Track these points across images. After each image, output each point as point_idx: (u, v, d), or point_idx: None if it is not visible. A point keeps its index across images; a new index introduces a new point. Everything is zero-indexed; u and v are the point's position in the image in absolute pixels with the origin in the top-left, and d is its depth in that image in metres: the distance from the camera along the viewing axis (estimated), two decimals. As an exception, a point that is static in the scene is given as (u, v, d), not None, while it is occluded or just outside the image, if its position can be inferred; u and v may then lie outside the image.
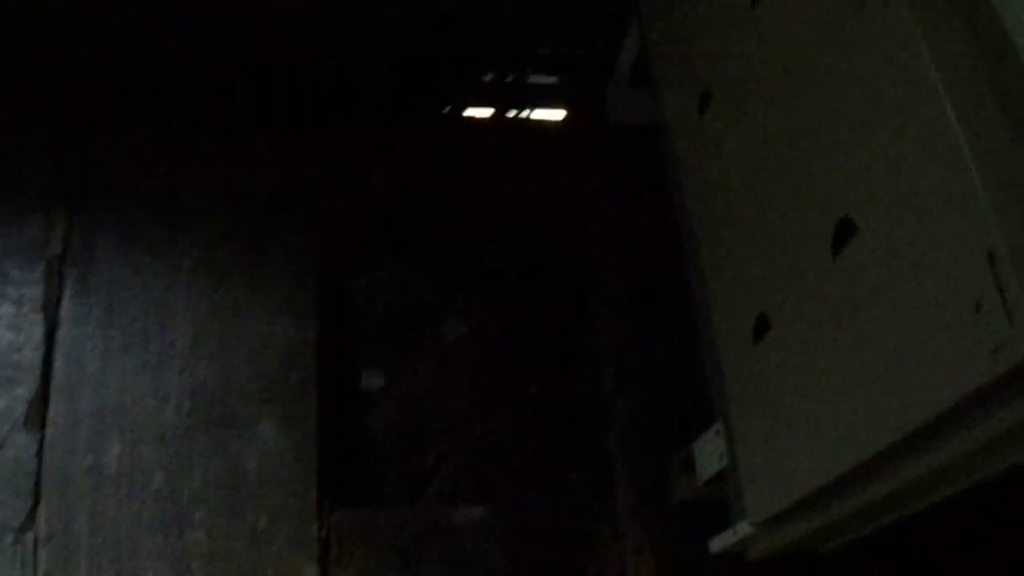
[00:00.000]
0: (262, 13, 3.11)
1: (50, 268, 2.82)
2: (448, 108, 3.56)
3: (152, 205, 2.95)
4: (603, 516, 2.69)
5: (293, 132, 3.15)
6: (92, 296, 2.78)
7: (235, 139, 3.09)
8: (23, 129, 3.02)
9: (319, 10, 3.19)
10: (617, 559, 2.62)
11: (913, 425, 1.51)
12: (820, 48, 1.79)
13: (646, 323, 2.91)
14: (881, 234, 1.59)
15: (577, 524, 2.67)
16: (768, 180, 2.06)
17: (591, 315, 2.95)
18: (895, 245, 1.54)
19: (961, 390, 1.36)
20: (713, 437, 2.48)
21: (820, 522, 1.99)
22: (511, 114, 3.62)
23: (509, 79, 3.67)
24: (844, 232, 1.71)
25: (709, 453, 2.51)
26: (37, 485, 2.51)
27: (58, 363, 2.70)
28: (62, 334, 2.74)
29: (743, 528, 2.26)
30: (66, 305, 2.78)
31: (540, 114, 3.63)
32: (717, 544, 2.42)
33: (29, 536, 2.45)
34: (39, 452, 2.56)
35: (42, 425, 2.59)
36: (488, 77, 3.65)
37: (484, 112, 3.60)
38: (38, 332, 2.74)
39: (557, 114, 3.63)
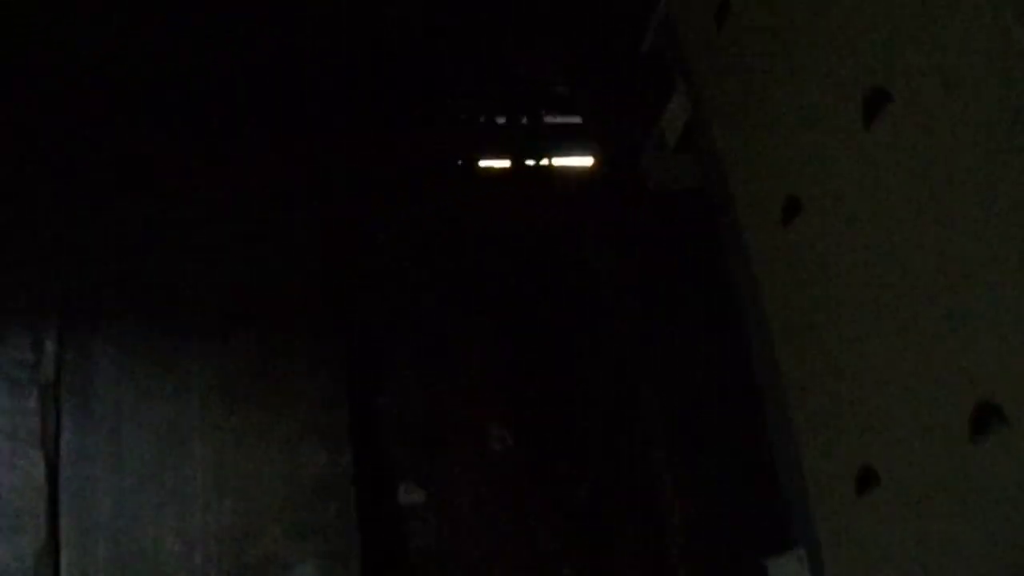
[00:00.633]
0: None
1: (44, 396, 2.53)
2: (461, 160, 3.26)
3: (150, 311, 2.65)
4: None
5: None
6: (96, 428, 2.50)
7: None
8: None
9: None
10: None
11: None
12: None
13: (704, 436, 2.72)
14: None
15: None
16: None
17: (643, 418, 2.74)
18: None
19: None
20: (795, 563, 2.32)
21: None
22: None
23: (524, 121, 3.36)
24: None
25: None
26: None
27: (65, 506, 2.44)
28: (66, 472, 2.47)
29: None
30: (67, 438, 2.50)
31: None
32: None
33: None
34: (53, 614, 2.33)
35: (55, 579, 2.35)
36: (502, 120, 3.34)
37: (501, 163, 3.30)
38: (39, 471, 2.47)
39: (583, 160, 3.33)
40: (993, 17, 1.24)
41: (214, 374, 2.55)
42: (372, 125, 3.15)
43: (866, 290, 1.85)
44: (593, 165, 3.29)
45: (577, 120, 3.36)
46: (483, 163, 3.27)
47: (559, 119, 3.41)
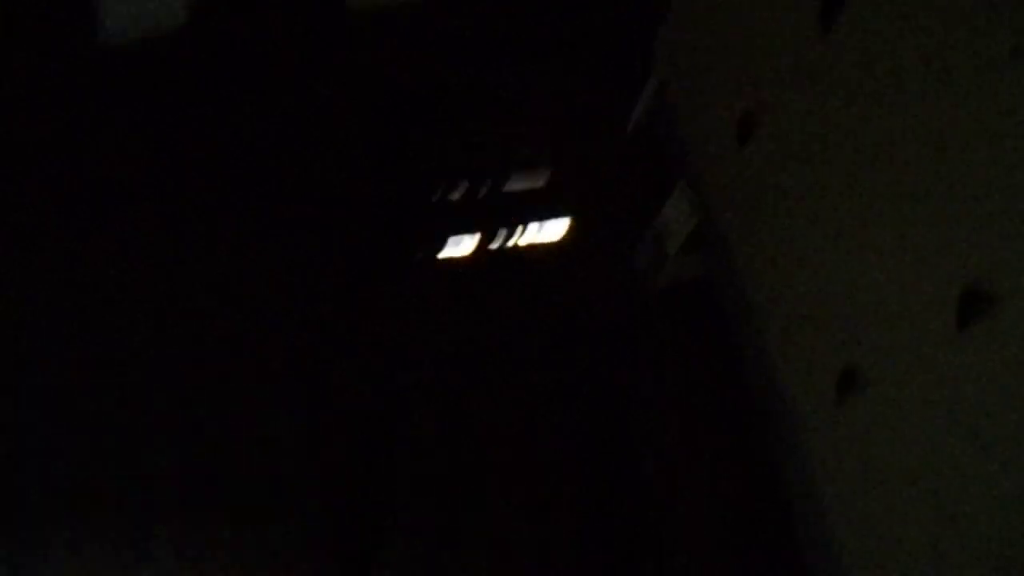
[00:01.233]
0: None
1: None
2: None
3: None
4: None
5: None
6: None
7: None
8: None
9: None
10: None
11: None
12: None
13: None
14: None
15: None
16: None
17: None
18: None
19: None
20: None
21: None
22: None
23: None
24: None
25: None
26: None
27: None
28: None
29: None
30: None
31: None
32: None
33: None
34: None
35: None
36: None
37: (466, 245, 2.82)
38: None
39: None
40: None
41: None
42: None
43: (843, 179, 1.64)
44: (567, 238, 2.85)
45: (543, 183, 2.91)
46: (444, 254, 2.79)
47: (525, 184, 2.95)
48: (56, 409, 2.39)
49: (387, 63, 2.79)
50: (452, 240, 2.82)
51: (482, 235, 2.85)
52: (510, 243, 2.86)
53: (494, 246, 2.85)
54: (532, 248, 2.87)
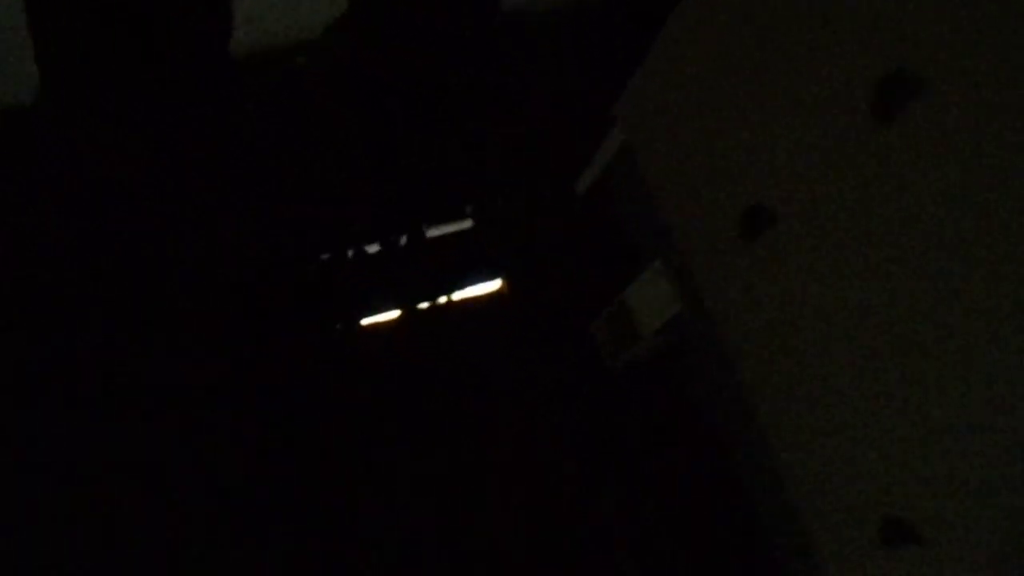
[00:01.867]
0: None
1: None
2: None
3: None
4: None
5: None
6: None
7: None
8: None
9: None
10: None
11: None
12: None
13: None
14: None
15: None
16: None
17: None
18: None
19: None
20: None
21: None
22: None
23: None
24: None
25: None
26: None
27: None
28: None
29: None
30: None
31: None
32: None
33: None
34: None
35: None
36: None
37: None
38: None
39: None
40: None
41: None
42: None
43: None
44: (500, 292, 2.57)
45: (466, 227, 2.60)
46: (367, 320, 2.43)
47: (445, 230, 2.62)
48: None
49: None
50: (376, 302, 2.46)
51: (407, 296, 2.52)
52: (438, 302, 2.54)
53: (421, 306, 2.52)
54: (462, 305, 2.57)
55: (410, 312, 2.46)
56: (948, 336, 1.33)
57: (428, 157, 2.41)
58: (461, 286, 2.53)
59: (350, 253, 2.43)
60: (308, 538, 2.19)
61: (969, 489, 1.36)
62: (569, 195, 2.39)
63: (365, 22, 2.09)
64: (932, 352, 1.36)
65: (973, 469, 1.35)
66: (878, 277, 1.44)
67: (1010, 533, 1.30)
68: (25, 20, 1.89)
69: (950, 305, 1.31)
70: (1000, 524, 1.32)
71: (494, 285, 2.57)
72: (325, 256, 2.38)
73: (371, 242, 2.46)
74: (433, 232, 2.57)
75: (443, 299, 2.51)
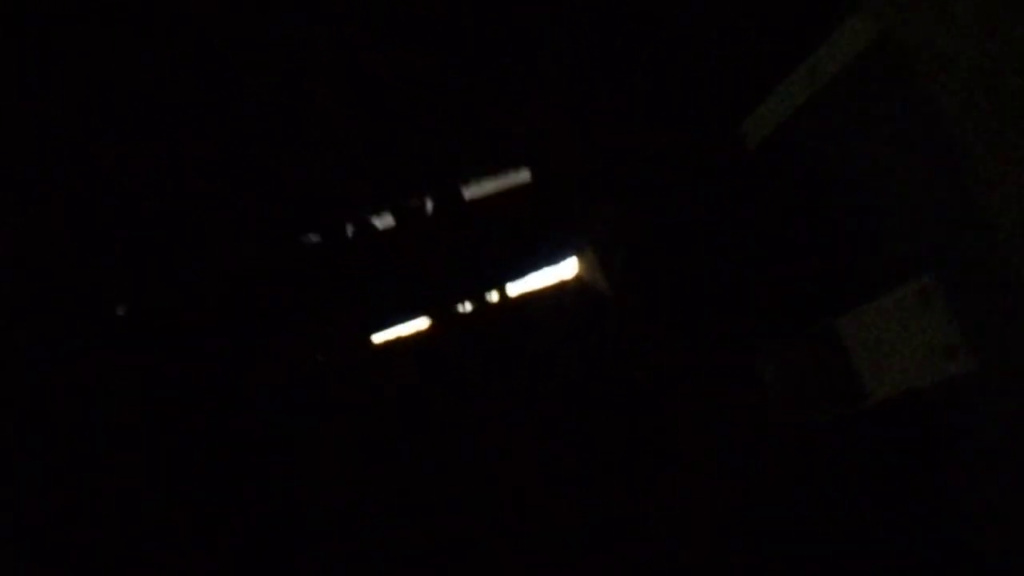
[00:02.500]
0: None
1: None
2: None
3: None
4: None
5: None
6: None
7: None
8: None
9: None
10: None
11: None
12: None
13: None
14: None
15: None
16: None
17: None
18: None
19: None
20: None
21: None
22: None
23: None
24: None
25: None
26: None
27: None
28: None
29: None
30: None
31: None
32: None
33: None
34: None
35: None
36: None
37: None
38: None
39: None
40: None
41: None
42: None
43: None
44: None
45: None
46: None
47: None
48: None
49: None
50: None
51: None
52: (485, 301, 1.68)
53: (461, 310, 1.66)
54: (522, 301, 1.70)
55: (443, 320, 1.61)
56: None
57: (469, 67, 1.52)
58: (519, 274, 1.65)
59: (350, 230, 1.55)
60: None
61: None
62: (727, 143, 1.48)
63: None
64: None
65: None
66: None
67: None
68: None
69: None
70: None
71: (568, 271, 1.71)
72: (316, 238, 1.54)
73: (381, 210, 1.57)
74: (472, 191, 1.67)
75: (492, 295, 1.65)
